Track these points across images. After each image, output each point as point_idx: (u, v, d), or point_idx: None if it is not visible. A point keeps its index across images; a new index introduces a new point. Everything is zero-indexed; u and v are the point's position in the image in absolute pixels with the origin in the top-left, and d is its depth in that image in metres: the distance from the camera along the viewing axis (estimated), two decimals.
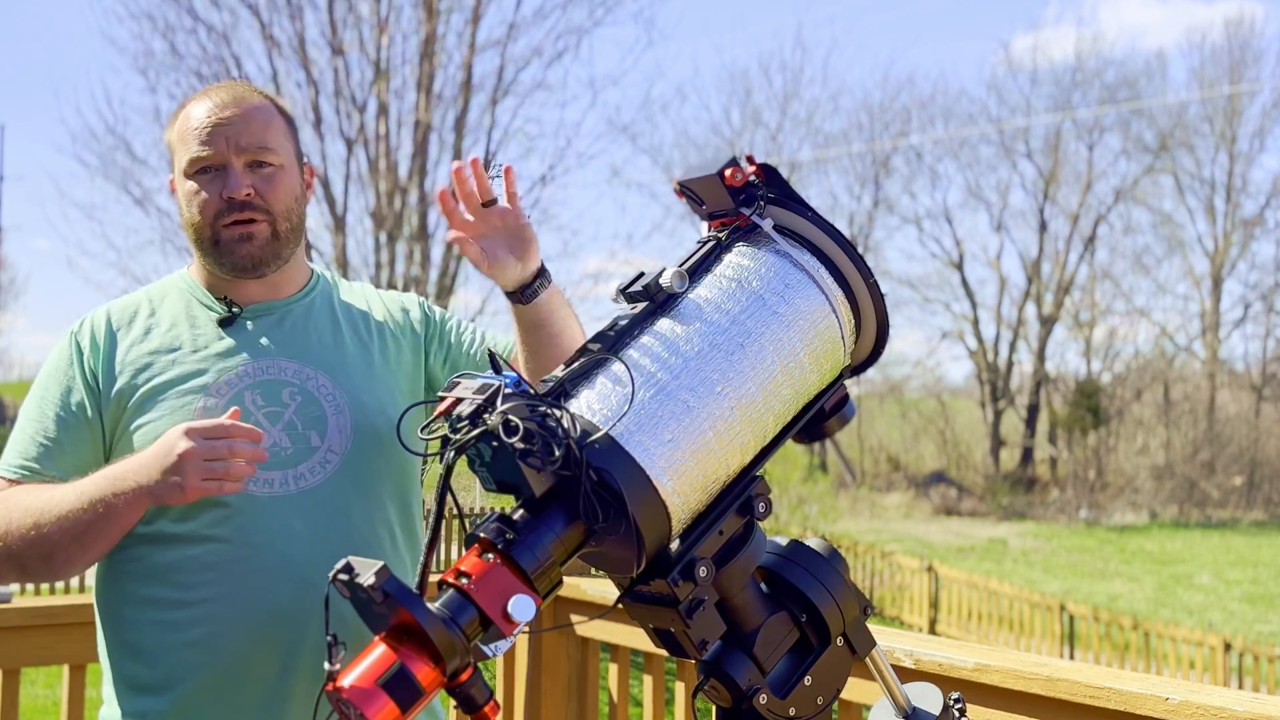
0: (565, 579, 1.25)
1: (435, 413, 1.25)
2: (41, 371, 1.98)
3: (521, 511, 1.24)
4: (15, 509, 1.83)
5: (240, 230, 1.91)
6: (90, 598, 2.03)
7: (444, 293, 14.41)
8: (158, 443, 1.76)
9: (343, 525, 1.90)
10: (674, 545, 1.30)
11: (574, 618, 3.01)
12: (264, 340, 1.96)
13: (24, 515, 1.82)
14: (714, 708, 1.40)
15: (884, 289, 1.42)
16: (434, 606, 1.15)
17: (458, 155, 14.66)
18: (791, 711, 1.36)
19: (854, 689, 2.12)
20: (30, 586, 12.34)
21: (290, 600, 1.84)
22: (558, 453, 1.18)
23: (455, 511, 1.37)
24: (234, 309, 1.97)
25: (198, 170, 1.92)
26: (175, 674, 1.86)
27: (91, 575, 2.04)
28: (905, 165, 38.45)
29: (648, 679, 2.94)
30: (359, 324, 2.05)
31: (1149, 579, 21.37)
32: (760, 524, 1.37)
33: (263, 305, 1.99)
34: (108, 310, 1.99)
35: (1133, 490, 32.38)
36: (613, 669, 3.02)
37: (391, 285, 14.14)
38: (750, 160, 1.42)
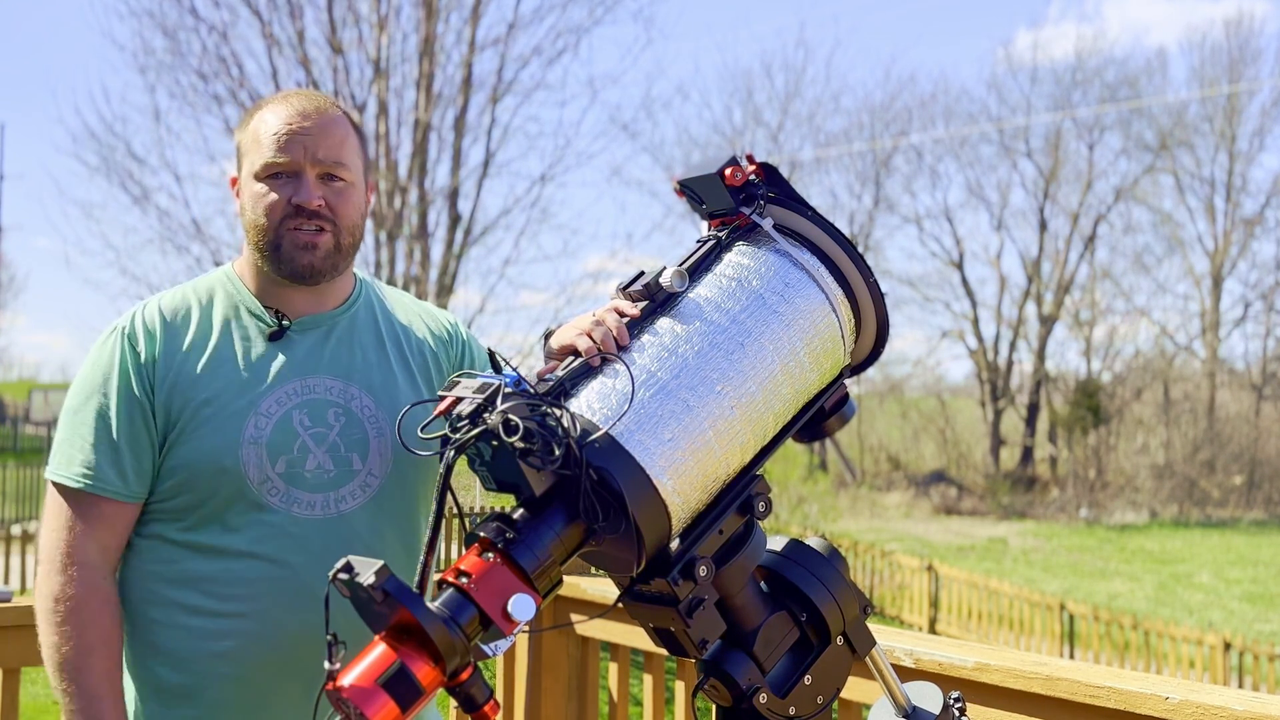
0: (565, 578, 1.25)
1: (435, 412, 1.25)
2: (89, 368, 1.94)
3: (521, 511, 1.24)
4: (56, 640, 1.89)
5: (305, 239, 1.91)
6: None
7: (444, 292, 14.41)
8: None
9: (377, 549, 1.92)
10: (674, 544, 1.30)
11: (574, 617, 3.01)
12: (311, 357, 1.95)
13: (55, 665, 1.89)
14: (714, 707, 1.40)
15: (884, 288, 1.42)
16: (434, 606, 1.15)
17: (457, 154, 14.65)
18: (791, 710, 1.36)
19: (854, 688, 2.12)
20: (30, 586, 12.35)
21: (321, 623, 1.84)
22: (558, 452, 1.18)
23: (455, 511, 1.36)
24: (283, 321, 1.96)
25: (270, 175, 1.92)
26: (202, 682, 1.87)
27: None
28: (906, 164, 38.50)
29: (648, 678, 2.94)
30: (401, 340, 2.06)
31: (1149, 578, 21.36)
32: (760, 523, 1.37)
33: (310, 319, 1.98)
34: (158, 306, 1.97)
35: (1133, 489, 32.37)
36: (613, 668, 3.01)
37: (391, 284, 14.11)
38: (750, 159, 1.42)
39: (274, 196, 1.91)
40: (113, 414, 1.89)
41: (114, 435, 1.88)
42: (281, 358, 1.93)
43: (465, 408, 1.22)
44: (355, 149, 1.98)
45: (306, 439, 1.90)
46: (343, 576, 1.13)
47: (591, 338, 1.33)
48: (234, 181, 2.00)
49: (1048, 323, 36.57)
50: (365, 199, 2.02)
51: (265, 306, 1.98)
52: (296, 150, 1.90)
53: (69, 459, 1.89)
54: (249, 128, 1.97)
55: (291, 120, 1.92)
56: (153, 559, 1.91)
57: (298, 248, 1.91)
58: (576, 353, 1.34)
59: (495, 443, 1.20)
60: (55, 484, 1.90)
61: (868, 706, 1.75)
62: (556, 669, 3.13)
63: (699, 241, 1.44)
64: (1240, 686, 12.18)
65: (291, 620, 1.85)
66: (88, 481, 1.87)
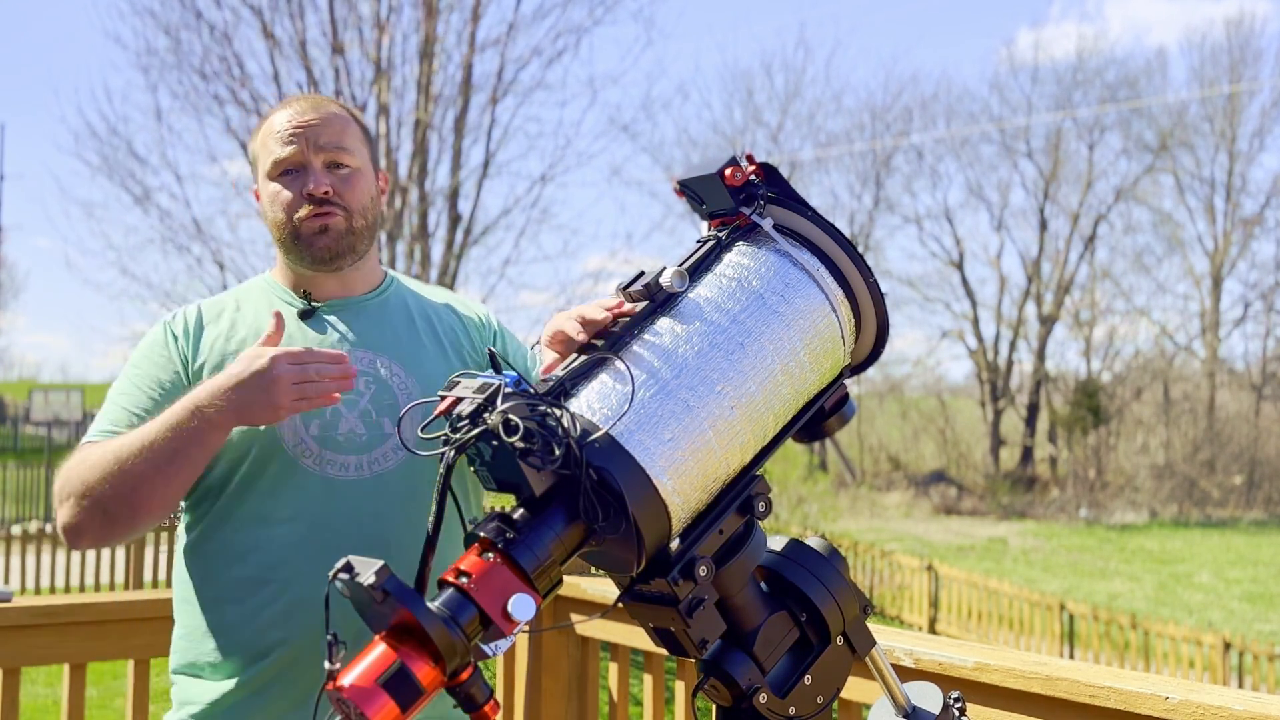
0: (565, 578, 1.25)
1: (436, 412, 1.25)
2: (133, 355, 2.09)
3: (521, 511, 1.24)
4: (95, 454, 1.90)
5: (319, 223, 2.02)
6: (90, 598, 2.08)
7: None
8: (236, 366, 1.85)
9: (412, 510, 1.97)
10: (674, 544, 1.30)
11: (574, 617, 3.01)
12: (341, 331, 2.07)
13: (105, 454, 1.88)
14: (714, 707, 1.40)
15: (884, 288, 1.42)
16: (434, 606, 1.15)
17: (458, 155, 14.64)
18: (791, 710, 1.36)
19: (854, 688, 2.12)
20: (30, 585, 12.35)
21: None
22: (558, 452, 1.18)
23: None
24: (313, 303, 2.08)
25: (281, 172, 2.05)
26: (257, 651, 1.95)
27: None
28: (906, 164, 38.57)
29: (648, 678, 2.94)
30: (433, 319, 2.16)
31: (1149, 578, 21.36)
32: (760, 523, 1.37)
33: (339, 301, 2.10)
34: (198, 306, 2.12)
35: (1133, 489, 32.37)
36: (613, 668, 3.02)
37: None
38: (750, 159, 1.42)
39: (287, 193, 2.04)
40: (147, 388, 2.02)
41: (148, 406, 1.99)
42: (312, 333, 2.06)
43: (465, 408, 1.22)
44: (358, 137, 2.10)
45: (339, 404, 1.98)
46: (343, 577, 1.13)
47: (584, 322, 1.35)
48: (257, 195, 2.12)
49: (1048, 323, 36.57)
50: (375, 185, 2.12)
51: (297, 294, 2.11)
52: (300, 143, 2.03)
53: (102, 421, 2.00)
54: (258, 136, 2.11)
55: (292, 118, 2.06)
56: (203, 537, 2.01)
57: (313, 233, 2.03)
58: (576, 351, 1.35)
59: (495, 442, 1.20)
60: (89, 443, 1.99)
61: (868, 706, 1.75)
62: (556, 669, 3.13)
63: (699, 241, 1.44)
64: (1240, 686, 12.17)
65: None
66: (113, 432, 1.96)
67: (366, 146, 2.12)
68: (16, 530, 14.56)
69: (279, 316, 1.90)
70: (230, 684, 1.96)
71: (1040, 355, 36.63)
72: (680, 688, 2.83)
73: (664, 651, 1.43)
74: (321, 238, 2.02)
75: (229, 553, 1.97)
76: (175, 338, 2.06)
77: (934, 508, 31.35)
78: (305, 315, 2.07)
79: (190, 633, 2.02)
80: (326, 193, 2.01)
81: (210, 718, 1.97)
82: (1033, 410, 36.39)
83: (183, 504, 2.04)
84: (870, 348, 1.47)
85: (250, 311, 2.09)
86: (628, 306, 1.37)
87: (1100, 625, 13.85)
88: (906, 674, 1.99)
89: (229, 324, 2.07)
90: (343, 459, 1.97)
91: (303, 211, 2.02)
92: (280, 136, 2.04)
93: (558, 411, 1.20)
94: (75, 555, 12.95)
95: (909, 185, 39.37)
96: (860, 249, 1.40)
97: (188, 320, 2.08)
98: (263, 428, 1.94)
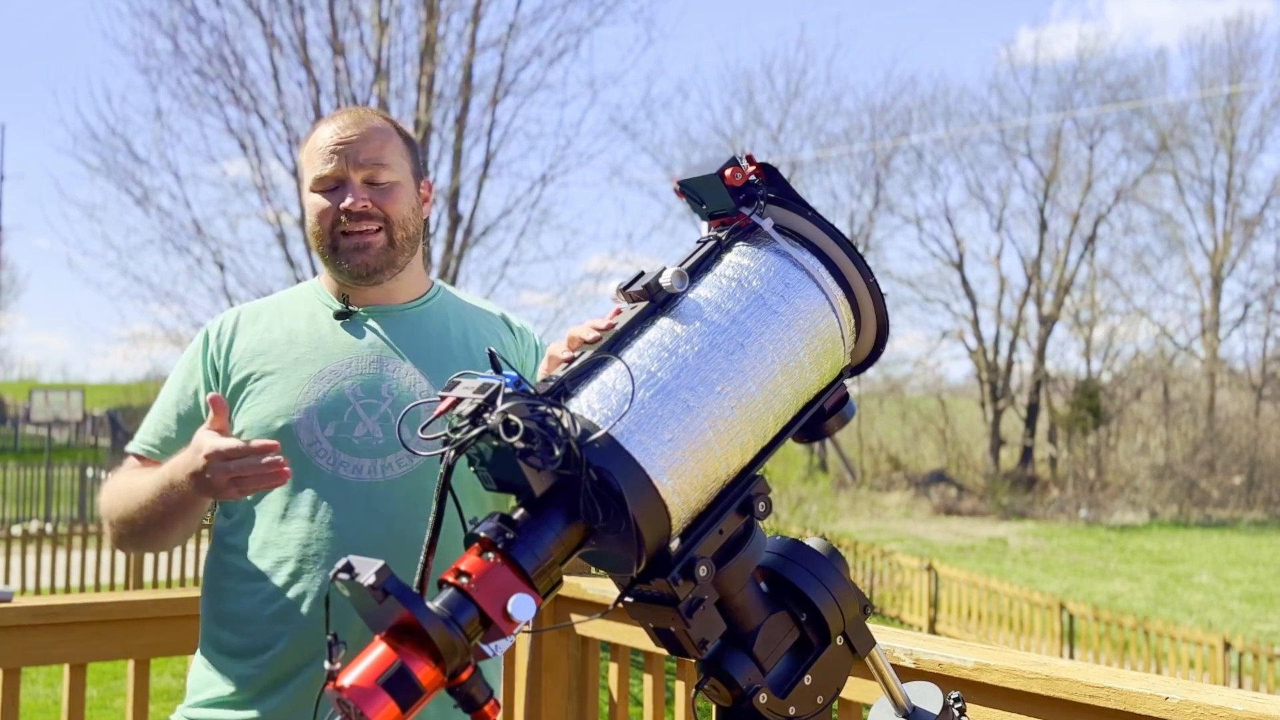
0: (565, 578, 1.25)
1: (435, 412, 1.25)
2: (180, 358, 2.22)
3: (521, 511, 1.24)
4: (121, 488, 2.08)
5: (357, 239, 2.09)
6: (90, 598, 2.13)
7: None
8: (187, 453, 1.91)
9: (421, 515, 1.98)
10: (674, 544, 1.30)
11: (574, 617, 3.00)
12: (375, 337, 2.13)
13: (119, 500, 2.07)
14: (714, 707, 1.40)
15: (884, 288, 1.42)
16: (434, 606, 1.16)
17: (458, 155, 14.64)
18: (791, 710, 1.36)
19: (854, 688, 2.12)
20: (30, 585, 12.36)
21: None
22: (558, 452, 1.18)
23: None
24: (350, 307, 2.15)
25: (323, 188, 2.12)
26: (262, 641, 2.02)
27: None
28: (906, 165, 38.54)
29: (648, 678, 2.94)
30: (469, 331, 2.20)
31: (1149, 578, 21.36)
32: (760, 523, 1.37)
33: (379, 308, 2.16)
34: (239, 310, 2.21)
35: (1133, 490, 32.37)
36: (613, 668, 3.01)
37: None
38: (750, 160, 1.42)
39: (325, 204, 2.10)
40: (175, 402, 2.15)
41: (173, 421, 2.13)
42: (346, 336, 2.13)
43: (465, 408, 1.22)
44: (398, 151, 2.15)
45: (357, 408, 2.05)
46: (343, 577, 1.13)
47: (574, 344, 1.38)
48: (301, 204, 2.22)
49: (1048, 323, 36.56)
50: (417, 196, 2.17)
51: (337, 299, 2.18)
52: (340, 161, 2.09)
53: (143, 431, 2.17)
54: (305, 147, 2.19)
55: (335, 134, 2.12)
56: (229, 531, 2.10)
57: (353, 249, 2.09)
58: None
59: (495, 443, 1.20)
60: (128, 454, 2.17)
61: (868, 706, 1.75)
62: (556, 669, 3.13)
63: (699, 242, 1.44)
64: (1240, 686, 12.17)
65: None
66: (147, 448, 2.14)
67: (408, 159, 2.17)
68: (16, 530, 14.57)
69: (217, 400, 1.91)
70: (239, 672, 2.03)
71: (1040, 355, 36.62)
72: (680, 688, 2.83)
73: (664, 651, 1.43)
74: (359, 254, 2.08)
75: (249, 547, 2.05)
76: (209, 343, 2.15)
77: (934, 508, 31.33)
78: (341, 316, 2.13)
79: (208, 622, 2.11)
80: (364, 207, 2.07)
81: (217, 707, 2.04)
82: (1033, 410, 36.38)
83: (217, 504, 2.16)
84: (870, 348, 1.47)
85: (290, 313, 2.17)
86: (618, 320, 1.37)
87: (1100, 625, 13.84)
88: (906, 674, 1.99)
89: (265, 325, 2.15)
90: (356, 461, 2.03)
91: (340, 225, 2.08)
92: (322, 153, 2.10)
93: (557, 412, 1.20)
94: (75, 555, 12.96)
95: (909, 186, 39.28)
96: (860, 249, 1.40)
97: (224, 324, 2.17)
98: (280, 424, 2.03)
